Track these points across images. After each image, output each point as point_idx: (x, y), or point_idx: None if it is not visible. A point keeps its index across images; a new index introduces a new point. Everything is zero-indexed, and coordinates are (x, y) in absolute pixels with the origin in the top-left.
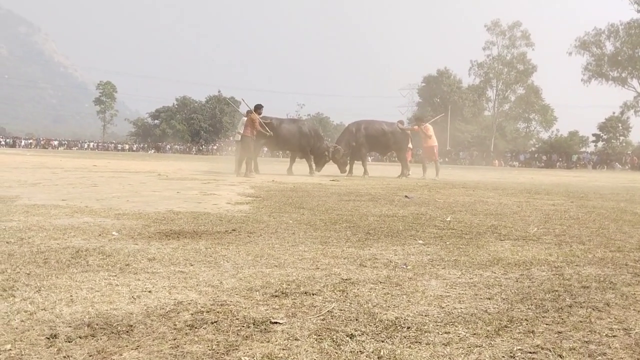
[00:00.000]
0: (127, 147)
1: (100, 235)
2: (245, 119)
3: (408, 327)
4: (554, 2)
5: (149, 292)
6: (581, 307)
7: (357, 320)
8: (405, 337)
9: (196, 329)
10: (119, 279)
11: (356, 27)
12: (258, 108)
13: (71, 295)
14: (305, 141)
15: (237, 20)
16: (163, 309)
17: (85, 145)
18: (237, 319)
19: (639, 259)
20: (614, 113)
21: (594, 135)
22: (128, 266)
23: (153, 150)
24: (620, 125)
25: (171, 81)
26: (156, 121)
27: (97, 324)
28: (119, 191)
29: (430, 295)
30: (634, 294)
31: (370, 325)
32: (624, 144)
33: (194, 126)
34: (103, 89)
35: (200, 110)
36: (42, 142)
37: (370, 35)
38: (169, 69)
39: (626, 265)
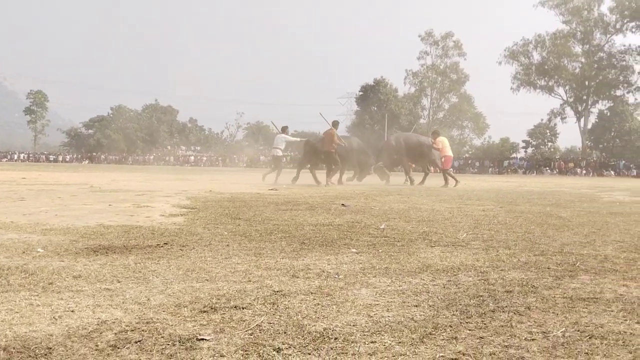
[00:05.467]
0: (60, 157)
1: (24, 252)
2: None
3: (335, 338)
4: (484, 14)
5: (72, 311)
6: (503, 311)
7: (285, 333)
8: (332, 349)
9: (119, 349)
10: (41, 298)
11: (295, 35)
12: (335, 124)
13: None
14: (353, 156)
15: (172, 27)
16: (85, 329)
17: (15, 157)
18: (163, 337)
19: (561, 262)
20: (542, 120)
21: (523, 141)
22: (51, 285)
23: (87, 161)
24: (548, 131)
25: (106, 90)
26: (90, 131)
27: (14, 347)
28: (48, 205)
29: (360, 305)
30: (554, 296)
31: (298, 338)
32: (552, 150)
33: (129, 136)
34: (34, 98)
35: (137, 120)
36: None
37: (311, 44)
38: (104, 77)
39: (548, 268)
